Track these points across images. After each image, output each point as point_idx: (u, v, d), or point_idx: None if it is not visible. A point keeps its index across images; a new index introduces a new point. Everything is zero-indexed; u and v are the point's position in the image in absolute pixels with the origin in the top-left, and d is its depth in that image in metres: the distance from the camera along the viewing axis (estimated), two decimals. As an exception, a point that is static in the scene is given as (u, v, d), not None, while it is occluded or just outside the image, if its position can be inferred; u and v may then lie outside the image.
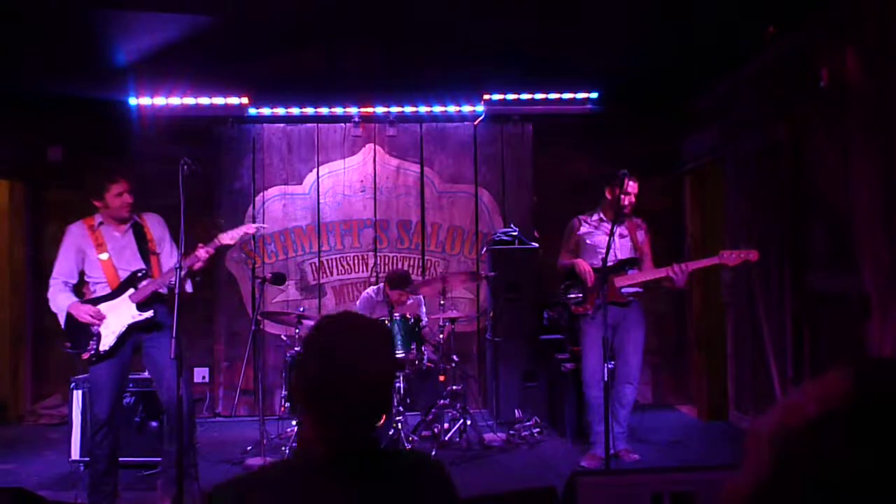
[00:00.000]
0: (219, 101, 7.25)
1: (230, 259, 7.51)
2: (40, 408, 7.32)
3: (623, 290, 5.33)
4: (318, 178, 7.64)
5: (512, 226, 7.21)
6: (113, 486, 4.50)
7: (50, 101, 7.16)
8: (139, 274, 4.57)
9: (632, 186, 5.39)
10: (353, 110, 7.57)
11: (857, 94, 4.71)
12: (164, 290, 4.59)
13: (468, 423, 5.90)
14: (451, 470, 1.71)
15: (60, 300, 4.53)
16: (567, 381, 6.16)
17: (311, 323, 6.48)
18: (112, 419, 4.47)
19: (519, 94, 7.37)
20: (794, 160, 5.43)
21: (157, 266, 4.68)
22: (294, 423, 5.58)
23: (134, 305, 4.52)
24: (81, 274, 4.63)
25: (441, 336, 5.97)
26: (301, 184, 7.63)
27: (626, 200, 5.37)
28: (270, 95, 7.37)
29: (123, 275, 4.57)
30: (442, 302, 6.08)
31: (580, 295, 5.47)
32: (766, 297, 5.84)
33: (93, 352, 4.46)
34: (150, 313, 4.53)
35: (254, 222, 7.45)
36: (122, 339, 4.51)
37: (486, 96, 7.40)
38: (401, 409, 5.63)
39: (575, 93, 7.36)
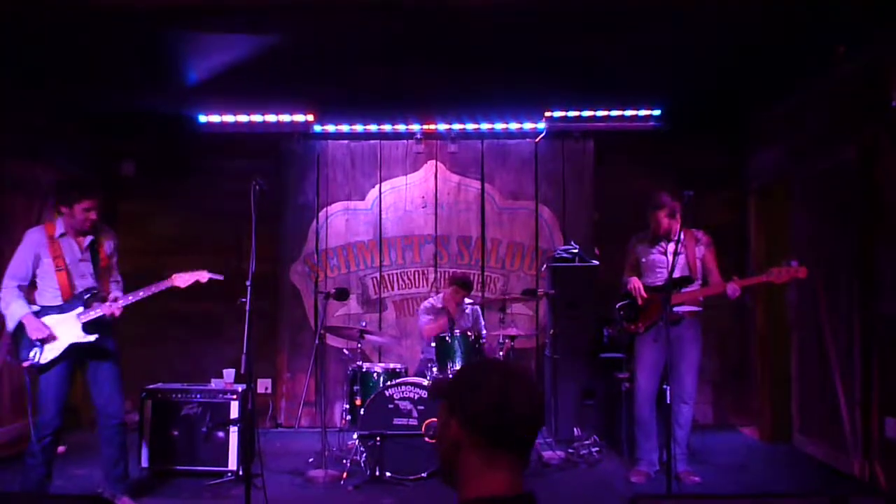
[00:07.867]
0: (285, 118, 7.47)
1: (295, 272, 7.68)
2: (111, 414, 7.54)
3: (675, 308, 5.22)
4: (380, 193, 7.76)
5: (572, 243, 7.20)
6: (47, 484, 4.68)
7: (123, 117, 7.42)
8: (87, 296, 4.66)
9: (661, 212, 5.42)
10: (415, 127, 7.69)
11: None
12: (110, 316, 4.66)
13: (527, 440, 5.88)
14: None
15: (14, 308, 4.58)
16: (625, 400, 6.12)
17: (376, 338, 6.63)
18: (61, 427, 4.65)
19: (581, 111, 7.38)
20: (864, 181, 5.31)
21: (108, 284, 4.82)
22: (355, 436, 5.62)
23: (80, 325, 4.61)
24: (34, 277, 4.68)
25: (500, 353, 5.99)
26: (364, 199, 7.76)
27: (655, 224, 5.45)
28: (335, 113, 7.54)
29: (78, 287, 4.66)
30: (502, 318, 6.10)
31: (632, 313, 5.46)
32: (834, 319, 5.72)
33: (33, 362, 4.52)
34: (93, 337, 4.61)
35: (317, 237, 7.62)
36: (63, 356, 4.59)
37: (548, 113, 7.44)
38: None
39: (637, 109, 7.35)
